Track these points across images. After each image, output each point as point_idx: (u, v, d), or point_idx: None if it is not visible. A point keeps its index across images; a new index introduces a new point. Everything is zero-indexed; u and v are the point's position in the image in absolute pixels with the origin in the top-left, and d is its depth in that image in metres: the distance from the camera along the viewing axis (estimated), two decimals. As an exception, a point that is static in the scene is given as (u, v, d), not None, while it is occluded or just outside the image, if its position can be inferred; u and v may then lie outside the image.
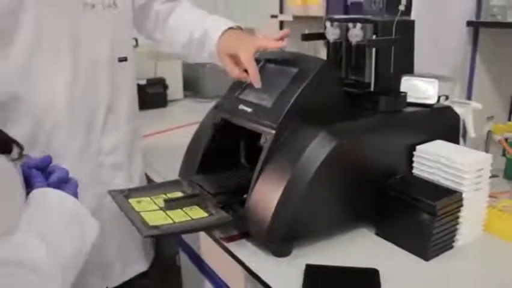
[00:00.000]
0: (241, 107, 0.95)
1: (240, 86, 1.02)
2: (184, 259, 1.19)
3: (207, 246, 1.03)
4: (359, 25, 1.01)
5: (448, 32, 1.20)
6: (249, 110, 0.93)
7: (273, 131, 0.85)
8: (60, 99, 0.96)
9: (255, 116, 0.90)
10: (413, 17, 1.25)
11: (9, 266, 0.50)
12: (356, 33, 1.01)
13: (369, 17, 1.09)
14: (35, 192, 0.61)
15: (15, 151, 0.57)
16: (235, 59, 1.01)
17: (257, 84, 0.94)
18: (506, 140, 1.27)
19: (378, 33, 0.98)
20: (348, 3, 1.53)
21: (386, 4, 1.42)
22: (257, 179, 0.84)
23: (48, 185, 0.64)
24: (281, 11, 1.84)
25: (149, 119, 1.90)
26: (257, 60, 1.00)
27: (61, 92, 0.97)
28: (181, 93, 2.20)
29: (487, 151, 1.25)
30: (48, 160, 0.68)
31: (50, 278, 0.53)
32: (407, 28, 1.03)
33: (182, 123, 1.73)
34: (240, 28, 1.12)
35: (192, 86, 2.28)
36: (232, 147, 1.09)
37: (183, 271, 1.22)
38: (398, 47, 1.00)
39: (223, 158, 1.06)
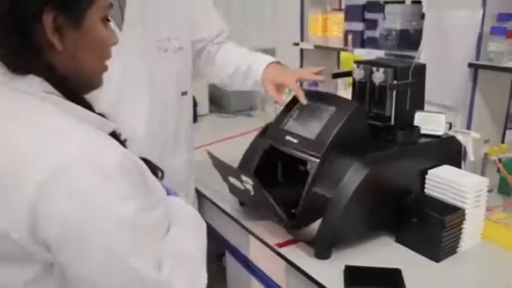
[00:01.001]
0: (288, 137, 1.18)
1: (284, 117, 1.25)
2: (230, 260, 1.41)
3: (255, 249, 1.25)
4: (381, 69, 1.23)
5: (452, 71, 1.42)
6: (295, 140, 1.15)
7: (318, 160, 1.08)
8: (140, 133, 1.15)
9: (301, 146, 1.13)
10: (423, 56, 1.48)
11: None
12: (378, 76, 1.24)
13: (389, 60, 1.32)
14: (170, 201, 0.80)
15: (159, 174, 0.79)
16: (278, 88, 1.25)
17: (304, 101, 1.17)
18: (500, 159, 1.50)
19: (397, 76, 1.21)
20: (365, 37, 1.76)
21: (398, 41, 1.65)
22: (306, 197, 1.07)
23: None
24: (302, 39, 2.05)
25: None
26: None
27: (140, 128, 1.16)
28: (207, 109, 2.42)
29: (483, 171, 1.48)
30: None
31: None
32: (420, 72, 1.26)
33: (213, 139, 1.95)
34: (279, 62, 1.34)
35: (216, 102, 2.50)
36: (272, 167, 1.31)
37: (229, 271, 1.44)
38: (412, 88, 1.24)
39: (266, 175, 1.28)
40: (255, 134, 1.35)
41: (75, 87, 0.68)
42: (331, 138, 1.09)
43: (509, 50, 1.28)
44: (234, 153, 1.33)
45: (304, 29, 2.03)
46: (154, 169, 0.75)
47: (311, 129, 1.14)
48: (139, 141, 1.14)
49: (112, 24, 0.76)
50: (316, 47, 1.90)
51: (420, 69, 1.27)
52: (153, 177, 0.71)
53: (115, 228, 0.60)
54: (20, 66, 0.63)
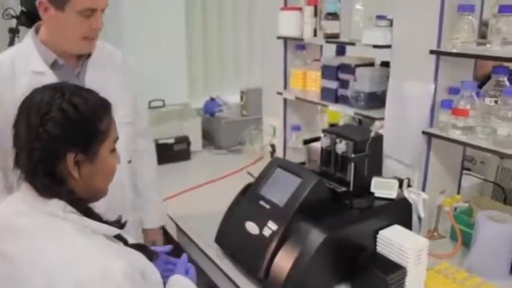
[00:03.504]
0: (261, 202, 1.40)
1: (261, 181, 1.46)
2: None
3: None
4: (343, 141, 1.45)
5: (409, 134, 1.63)
6: (267, 206, 1.37)
7: (284, 225, 1.30)
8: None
9: (271, 211, 1.35)
10: (385, 121, 1.69)
11: None
12: (341, 147, 1.46)
13: (352, 129, 1.53)
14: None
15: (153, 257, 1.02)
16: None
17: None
18: (455, 208, 1.71)
19: (356, 149, 1.43)
20: (338, 95, 1.97)
21: (366, 102, 1.87)
22: (273, 257, 1.28)
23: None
24: (285, 87, 2.27)
25: (177, 173, 2.34)
26: (270, 165, 1.45)
27: None
28: (200, 145, 2.63)
29: (438, 219, 1.69)
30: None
31: None
32: (378, 143, 1.48)
33: (206, 178, 2.18)
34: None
35: (209, 137, 2.72)
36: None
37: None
38: (370, 158, 1.45)
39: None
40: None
41: (88, 202, 0.91)
42: (296, 208, 1.31)
43: (453, 123, 1.48)
44: (229, 192, 1.55)
45: (287, 79, 2.24)
46: (148, 254, 0.97)
47: (281, 196, 1.36)
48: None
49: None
50: (297, 98, 2.11)
51: (378, 140, 1.49)
52: (150, 267, 0.93)
53: None
54: (47, 192, 0.85)
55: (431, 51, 1.51)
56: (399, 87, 1.69)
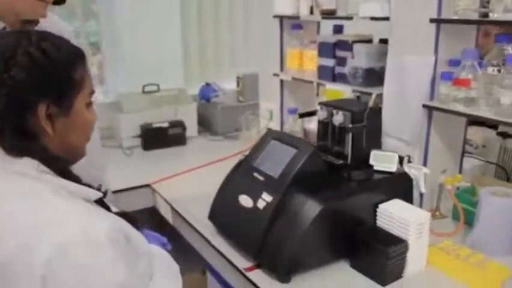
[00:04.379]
0: (255, 174, 1.34)
1: (254, 154, 1.41)
2: (211, 278, 1.57)
3: (229, 271, 1.40)
4: (340, 112, 1.40)
5: (409, 110, 1.58)
6: (261, 178, 1.32)
7: (279, 196, 1.24)
8: None
9: (265, 183, 1.30)
10: (384, 97, 1.64)
11: None
12: (338, 118, 1.40)
13: (349, 102, 1.48)
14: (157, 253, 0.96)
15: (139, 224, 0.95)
16: None
17: None
18: (458, 188, 1.66)
19: (354, 120, 1.37)
20: (336, 73, 1.92)
21: (364, 78, 1.81)
22: (267, 231, 1.23)
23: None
24: (281, 69, 2.22)
25: (173, 157, 2.28)
26: (265, 137, 1.39)
27: None
28: (196, 131, 2.57)
29: (439, 199, 1.63)
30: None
31: None
32: (376, 114, 1.42)
33: (201, 163, 2.12)
34: None
35: (204, 123, 2.66)
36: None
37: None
38: (368, 130, 1.40)
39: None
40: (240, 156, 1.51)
41: (65, 163, 0.84)
42: (291, 178, 1.25)
43: (454, 95, 1.43)
44: (225, 175, 1.49)
45: (284, 61, 2.19)
46: (133, 221, 0.90)
47: (275, 168, 1.30)
48: None
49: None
50: (294, 78, 2.06)
51: (377, 112, 1.43)
52: (135, 233, 0.86)
53: None
54: (17, 150, 0.78)
55: (431, 20, 1.45)
56: (398, 61, 1.63)
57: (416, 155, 1.64)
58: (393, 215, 1.27)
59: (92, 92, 0.88)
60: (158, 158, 2.27)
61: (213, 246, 1.43)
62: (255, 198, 1.29)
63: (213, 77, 2.86)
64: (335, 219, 1.25)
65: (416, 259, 1.28)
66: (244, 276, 1.28)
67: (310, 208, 1.20)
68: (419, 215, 1.28)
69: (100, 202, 0.87)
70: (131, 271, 0.78)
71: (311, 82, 2.01)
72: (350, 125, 1.35)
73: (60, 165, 0.83)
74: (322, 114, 1.46)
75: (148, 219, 1.83)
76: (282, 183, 1.25)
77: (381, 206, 1.31)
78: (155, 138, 2.33)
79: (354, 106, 1.43)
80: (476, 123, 2.03)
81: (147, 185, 1.93)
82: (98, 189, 0.88)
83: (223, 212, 1.42)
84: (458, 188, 1.66)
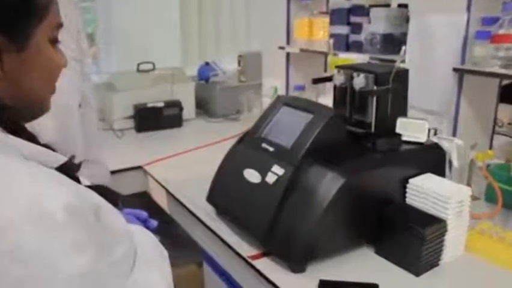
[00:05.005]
0: (264, 145, 1.14)
1: (261, 124, 1.20)
2: (207, 270, 1.37)
3: (230, 260, 1.21)
4: (362, 75, 1.19)
5: (436, 76, 1.38)
6: (271, 149, 1.11)
7: (292, 169, 1.03)
8: None
9: (276, 154, 1.09)
10: (407, 60, 1.44)
11: None
12: (359, 82, 1.20)
13: (371, 65, 1.27)
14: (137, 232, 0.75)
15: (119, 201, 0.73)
16: None
17: None
18: (488, 166, 1.46)
19: (378, 82, 1.17)
20: (350, 41, 1.72)
21: (382, 45, 1.62)
22: (278, 210, 1.02)
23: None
24: (288, 42, 2.02)
25: (168, 139, 2.08)
26: (274, 103, 1.19)
27: None
28: (194, 113, 2.37)
29: (470, 177, 1.43)
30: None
31: None
32: (403, 77, 1.22)
33: (198, 145, 1.92)
34: None
35: (203, 105, 2.46)
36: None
37: (206, 281, 1.40)
38: (394, 94, 1.19)
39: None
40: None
41: (18, 117, 0.63)
42: (306, 147, 1.04)
43: (493, 54, 1.24)
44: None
45: (291, 33, 1.99)
46: (113, 197, 0.68)
47: (287, 137, 1.10)
48: None
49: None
50: (302, 50, 1.86)
51: (403, 75, 1.22)
52: (110, 210, 0.63)
53: (67, 285, 0.52)
54: None
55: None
56: (422, 21, 1.44)
57: (443, 128, 1.44)
58: (428, 190, 1.07)
59: (59, 26, 0.67)
60: (152, 140, 2.07)
61: (213, 231, 1.22)
62: (264, 172, 1.08)
63: (213, 56, 2.65)
64: (359, 196, 1.05)
65: (454, 243, 1.08)
66: (250, 265, 1.07)
67: (331, 182, 0.99)
68: (459, 190, 1.08)
69: (65, 173, 0.64)
70: (99, 258, 0.55)
71: (322, 53, 1.81)
72: (375, 87, 1.15)
73: (11, 118, 0.61)
74: (339, 78, 1.25)
75: (138, 207, 1.63)
76: (296, 153, 1.05)
77: (411, 180, 1.11)
78: (149, 119, 2.13)
79: (377, 68, 1.23)
80: (503, 100, 1.85)
81: (138, 167, 1.72)
82: (70, 160, 0.66)
83: (224, 190, 1.22)
84: (488, 166, 1.47)
